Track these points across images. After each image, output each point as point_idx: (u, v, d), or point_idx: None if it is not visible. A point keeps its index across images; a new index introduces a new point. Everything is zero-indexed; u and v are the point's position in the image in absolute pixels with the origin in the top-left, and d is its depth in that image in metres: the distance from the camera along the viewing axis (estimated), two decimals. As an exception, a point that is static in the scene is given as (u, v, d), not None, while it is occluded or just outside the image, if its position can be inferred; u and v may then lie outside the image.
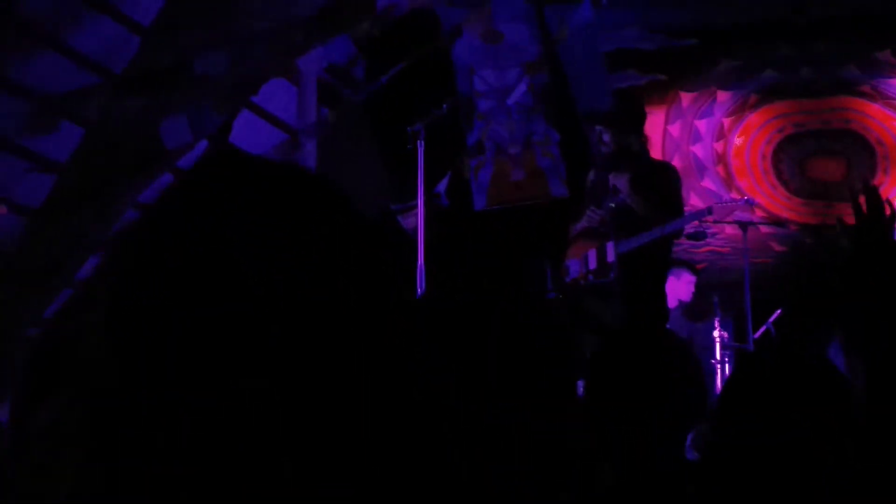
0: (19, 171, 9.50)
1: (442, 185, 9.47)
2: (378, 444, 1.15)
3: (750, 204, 9.06)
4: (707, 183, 10.65)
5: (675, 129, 11.48)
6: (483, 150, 11.49)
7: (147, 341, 1.11)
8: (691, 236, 9.38)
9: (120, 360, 1.12)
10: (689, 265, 9.62)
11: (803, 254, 10.93)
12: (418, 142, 8.16)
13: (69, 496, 1.11)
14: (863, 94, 10.96)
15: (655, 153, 10.47)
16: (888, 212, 2.57)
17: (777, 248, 11.05)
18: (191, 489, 1.10)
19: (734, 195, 9.60)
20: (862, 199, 2.60)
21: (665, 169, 9.09)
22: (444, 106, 9.12)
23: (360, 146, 11.67)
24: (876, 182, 10.64)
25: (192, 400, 1.11)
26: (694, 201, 9.83)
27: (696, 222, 8.91)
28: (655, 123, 11.10)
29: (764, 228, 10.75)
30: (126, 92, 9.73)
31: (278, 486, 1.11)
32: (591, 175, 8.87)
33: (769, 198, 11.09)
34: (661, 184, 8.44)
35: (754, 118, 11.30)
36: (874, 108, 10.96)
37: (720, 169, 11.35)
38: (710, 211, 8.56)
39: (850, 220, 2.66)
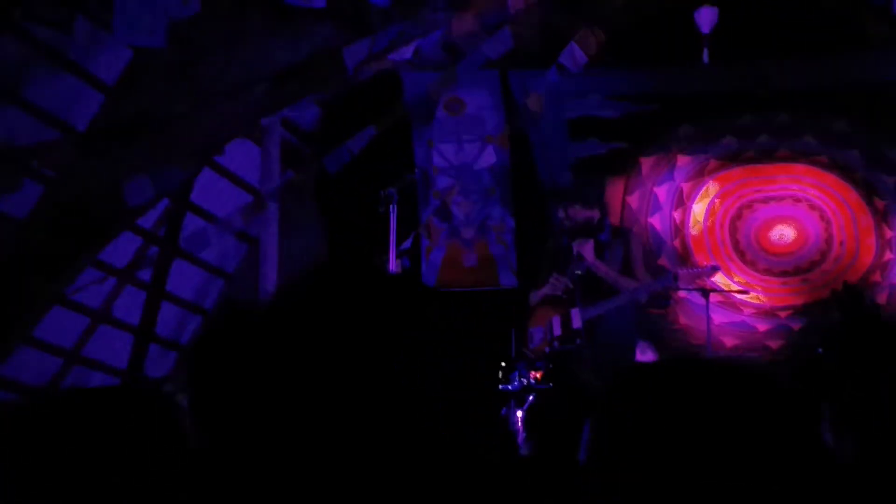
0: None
1: (408, 243, 9.57)
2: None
3: (715, 269, 9.17)
4: (664, 261, 10.74)
5: (633, 199, 11.41)
6: (437, 231, 11.58)
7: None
8: (655, 302, 9.53)
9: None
10: (653, 342, 9.59)
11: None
12: (391, 206, 8.19)
13: None
14: (820, 164, 11.07)
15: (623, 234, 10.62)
16: (867, 301, 2.85)
17: (771, 344, 10.98)
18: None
19: (702, 271, 9.55)
20: (843, 296, 2.95)
21: (626, 234, 9.41)
22: (417, 171, 9.57)
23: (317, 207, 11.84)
24: (834, 256, 10.94)
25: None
26: (651, 284, 10.47)
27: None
28: (615, 194, 11.24)
29: (718, 318, 10.73)
30: (89, 148, 9.62)
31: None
32: (553, 243, 9.06)
33: (725, 273, 11.11)
34: (624, 250, 8.77)
35: (713, 184, 11.36)
36: (830, 178, 11.03)
37: (677, 243, 11.30)
38: (675, 277, 8.62)
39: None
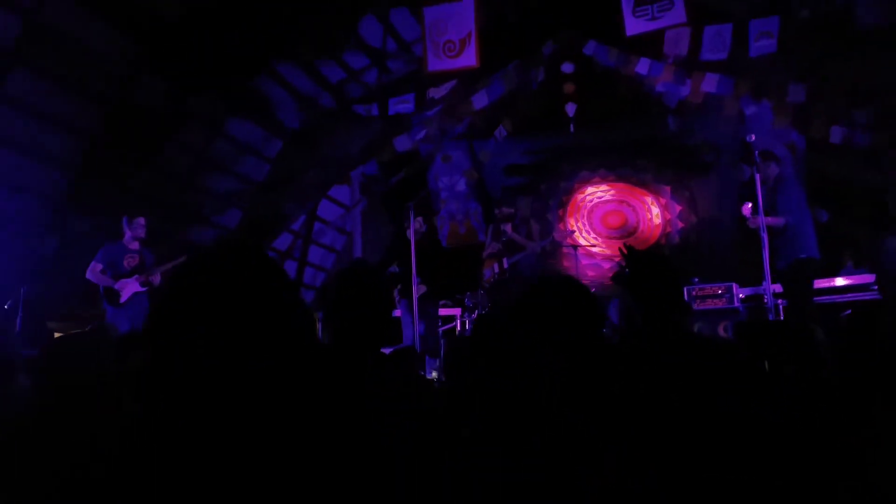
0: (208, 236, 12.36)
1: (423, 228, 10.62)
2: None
3: (572, 232, 12.36)
4: (556, 235, 11.69)
5: (537, 205, 14.92)
6: (443, 218, 14.77)
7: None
8: (549, 256, 12.63)
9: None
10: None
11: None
12: (411, 212, 9.78)
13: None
14: (631, 182, 14.49)
15: (526, 219, 13.56)
16: (637, 252, 3.30)
17: (591, 274, 13.47)
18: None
19: (566, 234, 11.56)
20: (626, 251, 3.44)
21: (529, 221, 13.21)
22: (423, 193, 12.83)
23: (378, 215, 14.66)
24: (641, 229, 14.13)
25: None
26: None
27: (547, 245, 11.76)
28: (527, 202, 14.79)
29: (584, 261, 12.76)
30: (264, 192, 12.89)
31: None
32: (492, 226, 11.24)
33: (586, 240, 14.08)
34: (527, 228, 12.23)
35: (578, 195, 14.77)
36: (637, 189, 14.47)
37: (561, 225, 14.41)
38: (553, 239, 11.28)
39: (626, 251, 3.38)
